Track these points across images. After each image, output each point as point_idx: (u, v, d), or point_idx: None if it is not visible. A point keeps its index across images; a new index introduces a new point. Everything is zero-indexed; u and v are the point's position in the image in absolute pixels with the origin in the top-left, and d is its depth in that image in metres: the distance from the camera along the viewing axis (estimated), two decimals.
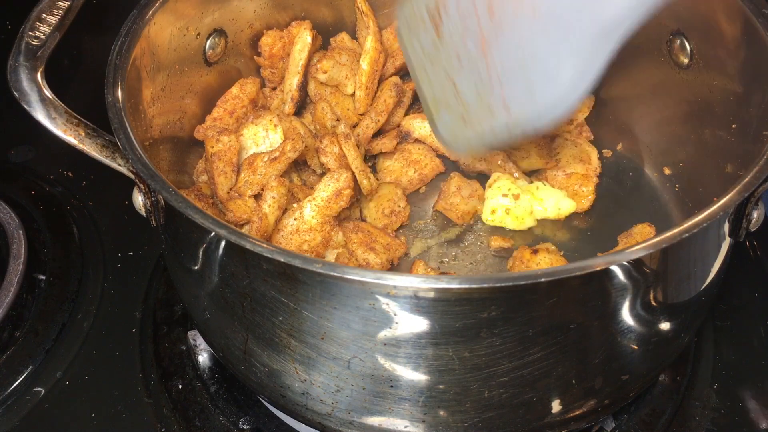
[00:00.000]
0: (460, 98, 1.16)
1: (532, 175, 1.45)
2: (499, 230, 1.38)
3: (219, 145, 1.26)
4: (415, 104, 1.55)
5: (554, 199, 1.37)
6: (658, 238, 0.90)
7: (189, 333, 1.37)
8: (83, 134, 1.06)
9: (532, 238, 1.37)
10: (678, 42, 1.32)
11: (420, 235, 1.38)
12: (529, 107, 1.05)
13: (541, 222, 1.39)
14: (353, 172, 1.30)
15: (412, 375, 0.98)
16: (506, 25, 1.02)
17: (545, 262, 1.26)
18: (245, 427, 1.26)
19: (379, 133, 1.47)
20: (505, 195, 1.35)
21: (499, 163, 1.43)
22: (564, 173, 1.42)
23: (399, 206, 1.37)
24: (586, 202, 1.39)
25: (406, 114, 1.50)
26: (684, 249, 1.00)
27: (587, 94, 1.02)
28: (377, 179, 1.41)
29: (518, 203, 1.35)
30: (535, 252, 1.27)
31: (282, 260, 0.88)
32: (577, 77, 0.97)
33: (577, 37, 0.94)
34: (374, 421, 1.04)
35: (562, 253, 1.31)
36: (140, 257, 1.51)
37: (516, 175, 1.41)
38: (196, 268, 1.07)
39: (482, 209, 1.38)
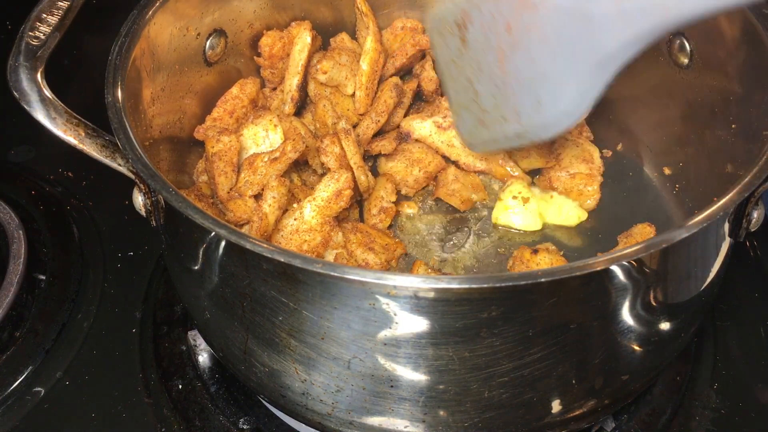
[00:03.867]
0: (479, 102, 1.26)
1: (532, 174, 1.45)
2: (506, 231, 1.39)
3: (219, 145, 1.26)
4: (415, 104, 1.55)
5: (566, 208, 1.38)
6: (658, 238, 0.90)
7: (189, 333, 1.37)
8: (83, 134, 1.06)
9: (533, 238, 1.37)
10: (678, 42, 1.32)
11: (420, 235, 1.38)
12: (536, 119, 1.16)
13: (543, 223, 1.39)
14: (352, 170, 1.30)
15: (412, 375, 0.98)
16: (521, 42, 1.11)
17: (545, 262, 1.26)
18: (245, 427, 1.26)
19: (379, 134, 1.47)
20: (515, 197, 1.37)
21: (500, 162, 1.43)
22: (568, 173, 1.41)
23: (389, 201, 1.36)
24: (592, 202, 1.40)
25: (406, 114, 1.50)
26: (684, 249, 1.00)
27: (587, 113, 1.12)
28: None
29: (527, 206, 1.37)
30: (535, 252, 1.27)
31: (282, 260, 0.88)
32: (578, 98, 1.09)
33: (579, 64, 1.05)
34: (374, 421, 1.04)
35: (562, 253, 1.31)
36: (140, 257, 1.51)
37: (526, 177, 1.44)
38: (196, 268, 1.07)
39: (485, 198, 1.42)
